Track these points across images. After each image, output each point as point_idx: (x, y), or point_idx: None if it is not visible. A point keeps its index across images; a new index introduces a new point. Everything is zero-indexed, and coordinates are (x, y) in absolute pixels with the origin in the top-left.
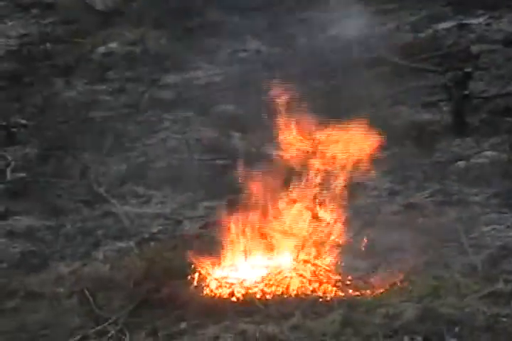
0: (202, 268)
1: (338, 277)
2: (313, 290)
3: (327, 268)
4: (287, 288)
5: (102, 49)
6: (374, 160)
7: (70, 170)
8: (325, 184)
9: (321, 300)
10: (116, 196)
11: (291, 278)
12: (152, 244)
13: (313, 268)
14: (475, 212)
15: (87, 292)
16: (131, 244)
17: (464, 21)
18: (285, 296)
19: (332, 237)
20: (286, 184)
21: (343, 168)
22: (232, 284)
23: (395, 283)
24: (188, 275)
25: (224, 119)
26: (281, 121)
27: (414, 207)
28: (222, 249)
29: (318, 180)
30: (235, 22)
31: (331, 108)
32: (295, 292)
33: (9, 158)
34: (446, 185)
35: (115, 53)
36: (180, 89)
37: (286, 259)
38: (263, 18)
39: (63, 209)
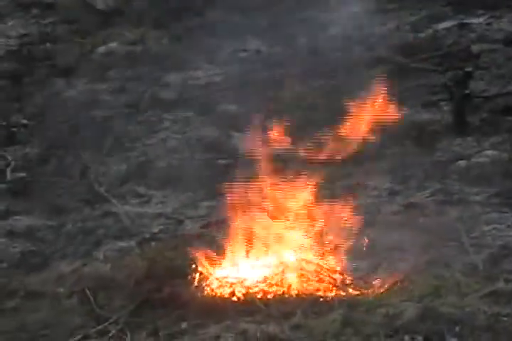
0: (203, 267)
1: (338, 277)
2: (314, 290)
3: (328, 267)
4: (288, 287)
5: (102, 49)
6: (375, 160)
7: (71, 170)
8: (325, 183)
9: (321, 299)
10: (116, 196)
11: (291, 277)
12: (153, 243)
13: (313, 267)
14: (476, 211)
15: (87, 291)
16: (132, 243)
17: (465, 21)
18: (286, 296)
19: (333, 237)
20: (287, 183)
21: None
22: (233, 284)
23: (395, 283)
24: (189, 275)
25: (224, 119)
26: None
27: (415, 206)
28: (223, 248)
29: (318, 179)
30: (235, 22)
31: (331, 107)
32: (296, 292)
33: (9, 157)
34: (447, 184)
35: (115, 53)
36: (180, 88)
37: (287, 259)
38: (263, 18)
39: (64, 209)
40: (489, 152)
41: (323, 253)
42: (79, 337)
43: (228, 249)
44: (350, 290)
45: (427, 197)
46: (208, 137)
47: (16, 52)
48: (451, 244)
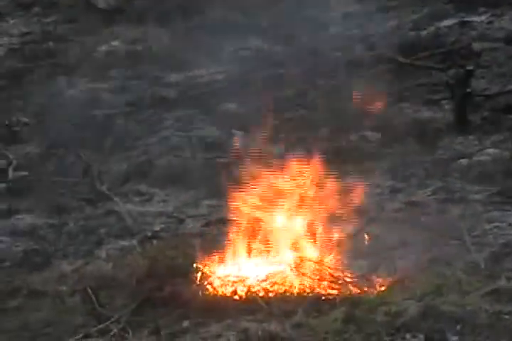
0: (205, 266)
1: (340, 275)
2: (316, 288)
3: (329, 266)
4: (290, 286)
5: (104, 47)
6: (376, 158)
7: (72, 169)
8: (326, 182)
9: (323, 298)
10: (118, 194)
11: (293, 276)
12: (155, 242)
13: (315, 266)
14: (477, 209)
15: (89, 290)
16: (134, 242)
17: (466, 19)
18: (287, 294)
19: (334, 235)
20: (288, 182)
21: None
22: (234, 282)
23: (397, 281)
24: (190, 274)
25: (226, 117)
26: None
27: (416, 204)
28: (225, 247)
29: (319, 177)
30: (236, 20)
31: (332, 106)
32: (297, 290)
33: (11, 156)
34: (449, 182)
35: (117, 52)
36: (182, 87)
37: (288, 257)
38: (265, 16)
39: (66, 208)
40: (490, 150)
41: (325, 252)
42: (81, 335)
43: (229, 248)
44: (352, 289)
45: (429, 195)
46: (210, 136)
47: (18, 51)
48: (453, 242)
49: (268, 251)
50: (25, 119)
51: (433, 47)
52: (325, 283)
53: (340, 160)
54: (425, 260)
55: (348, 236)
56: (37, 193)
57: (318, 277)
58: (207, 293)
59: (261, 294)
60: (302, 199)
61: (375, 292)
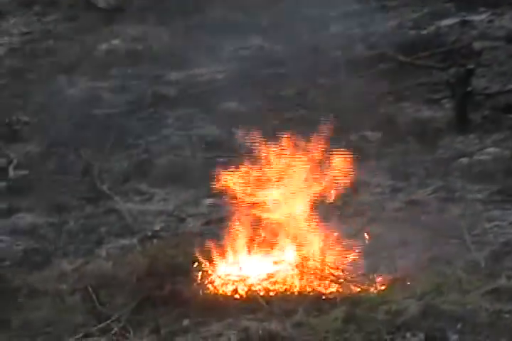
0: (205, 265)
1: (340, 274)
2: (316, 287)
3: (330, 265)
4: (290, 285)
5: (104, 46)
6: (376, 157)
7: (73, 168)
8: (327, 181)
9: (323, 297)
10: (119, 193)
11: (294, 275)
12: (155, 241)
13: (316, 265)
14: (477, 208)
15: (90, 289)
16: (134, 241)
17: (467, 18)
18: (288, 293)
19: (335, 234)
20: (288, 181)
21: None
22: (235, 281)
23: (397, 280)
24: (191, 273)
25: (227, 116)
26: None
27: (417, 203)
28: (226, 246)
29: (320, 176)
30: (237, 19)
31: (333, 105)
32: (298, 289)
33: (11, 155)
34: (449, 181)
35: (117, 51)
36: (182, 86)
37: (289, 256)
38: (265, 15)
39: (66, 207)
40: (491, 149)
41: (326, 250)
42: (81, 334)
43: (230, 247)
44: (353, 288)
45: (429, 194)
46: (210, 134)
47: (19, 49)
48: (453, 241)
49: (269, 250)
50: (25, 118)
51: (433, 46)
52: (325, 282)
53: (341, 159)
54: (425, 259)
55: (348, 235)
56: (37, 192)
57: (318, 276)
58: (207, 291)
59: (261, 293)
60: (302, 198)
61: (376, 291)
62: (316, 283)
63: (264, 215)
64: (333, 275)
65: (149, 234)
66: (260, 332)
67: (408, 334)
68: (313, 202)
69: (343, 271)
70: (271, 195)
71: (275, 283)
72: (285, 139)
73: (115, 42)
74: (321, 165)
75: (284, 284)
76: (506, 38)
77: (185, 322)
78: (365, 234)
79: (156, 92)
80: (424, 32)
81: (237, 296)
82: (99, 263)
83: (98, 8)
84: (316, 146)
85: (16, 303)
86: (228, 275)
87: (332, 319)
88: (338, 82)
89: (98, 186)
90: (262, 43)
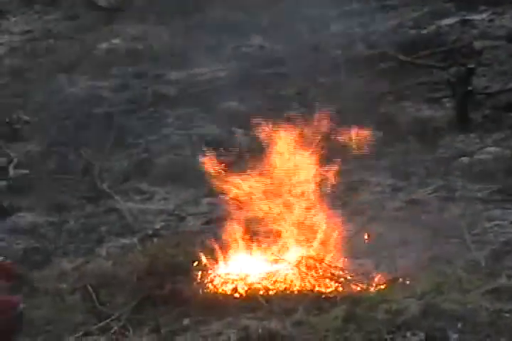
0: (205, 264)
1: (341, 273)
2: (316, 286)
3: (330, 264)
4: (290, 284)
5: (104, 45)
6: (377, 156)
7: (73, 167)
8: (328, 180)
9: (323, 296)
10: (119, 192)
11: (294, 274)
12: (155, 240)
13: (316, 264)
14: (478, 207)
15: (90, 288)
16: (135, 240)
17: (467, 17)
18: (288, 292)
19: (335, 233)
20: (289, 180)
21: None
22: (234, 280)
23: (397, 279)
24: (191, 272)
25: (227, 115)
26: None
27: (417, 203)
28: (225, 245)
29: (321, 175)
30: (237, 18)
31: (334, 104)
32: (298, 288)
33: (12, 154)
34: (450, 181)
35: (117, 50)
36: (183, 85)
37: (289, 255)
38: (266, 15)
39: (66, 206)
40: (492, 148)
41: (326, 250)
42: (81, 333)
43: (230, 246)
44: (353, 287)
45: (430, 193)
46: (211, 133)
47: (19, 48)
48: (454, 240)
49: (269, 249)
50: (26, 117)
51: (434, 45)
52: (325, 281)
53: (341, 159)
54: (426, 258)
55: (349, 234)
56: (37, 191)
57: (318, 275)
58: (207, 290)
59: (261, 292)
60: (303, 197)
61: (376, 290)
62: (316, 282)
63: (264, 214)
64: (333, 274)
65: (149, 233)
66: (260, 330)
67: (408, 334)
68: (314, 201)
69: (343, 270)
70: (271, 193)
71: (275, 282)
72: (285, 137)
73: (115, 41)
74: (321, 163)
75: (283, 283)
76: (507, 37)
77: (185, 321)
78: (366, 234)
79: (156, 91)
80: (425, 31)
81: (237, 295)
82: (99, 263)
83: (98, 7)
84: (316, 144)
85: None
86: (228, 274)
87: (332, 318)
88: (338, 81)
89: (98, 185)
90: (262, 43)
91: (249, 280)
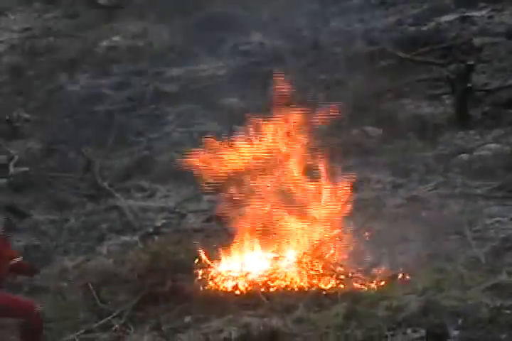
0: (206, 261)
1: (341, 270)
2: (317, 283)
3: (330, 261)
4: (291, 281)
5: (105, 43)
6: (377, 153)
7: (74, 165)
8: (328, 178)
9: (324, 293)
10: (120, 190)
11: (294, 271)
12: (156, 237)
13: (316, 261)
14: (478, 204)
15: (91, 286)
16: (136, 238)
17: (467, 14)
18: (289, 289)
19: (336, 231)
20: (288, 179)
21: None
22: (235, 278)
23: (398, 276)
24: (192, 269)
25: (228, 112)
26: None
27: (418, 199)
28: (226, 242)
29: (321, 174)
30: (237, 15)
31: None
32: (298, 285)
33: (12, 152)
34: (450, 177)
35: (118, 47)
36: (183, 82)
37: (289, 252)
38: (265, 11)
39: (67, 204)
40: (491, 145)
41: (327, 247)
42: (82, 331)
43: (231, 243)
44: (353, 284)
45: (430, 190)
46: (211, 130)
47: (19, 46)
48: (454, 237)
49: (269, 246)
50: (26, 115)
51: (433, 42)
52: (326, 278)
53: (342, 156)
54: (426, 255)
55: (349, 231)
56: (38, 189)
57: (319, 272)
58: (208, 288)
59: (262, 289)
60: (303, 195)
61: (377, 287)
62: (316, 279)
63: (265, 212)
64: (334, 271)
65: (150, 230)
66: (261, 328)
67: (409, 330)
68: (314, 198)
69: (343, 266)
70: (271, 191)
71: (276, 278)
72: (285, 136)
73: (116, 39)
74: (321, 160)
75: (284, 280)
76: (506, 34)
77: (187, 318)
78: (366, 230)
79: (157, 89)
80: (424, 28)
81: (237, 292)
82: (100, 260)
83: (98, 5)
84: (316, 143)
85: None
86: (229, 271)
87: (333, 315)
88: (338, 78)
89: (99, 183)
90: (262, 39)
91: (250, 278)
